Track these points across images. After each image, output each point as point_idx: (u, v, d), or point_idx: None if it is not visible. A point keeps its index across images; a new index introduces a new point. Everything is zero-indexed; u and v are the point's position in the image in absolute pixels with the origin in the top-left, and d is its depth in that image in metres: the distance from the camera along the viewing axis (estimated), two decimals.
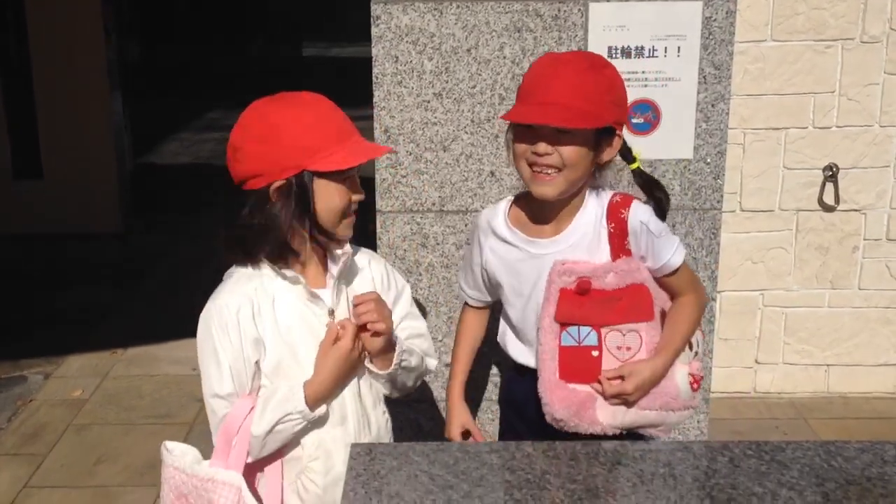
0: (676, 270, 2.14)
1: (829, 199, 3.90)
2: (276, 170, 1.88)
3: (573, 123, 1.98)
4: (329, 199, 1.92)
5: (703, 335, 2.26)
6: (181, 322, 2.68)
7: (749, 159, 3.86)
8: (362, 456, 1.75)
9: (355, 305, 1.97)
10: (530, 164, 2.06)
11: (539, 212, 2.15)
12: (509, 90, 2.89)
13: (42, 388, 4.31)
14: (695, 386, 2.17)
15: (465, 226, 2.98)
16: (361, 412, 2.04)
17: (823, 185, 3.88)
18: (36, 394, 4.25)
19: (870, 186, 3.89)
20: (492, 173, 2.96)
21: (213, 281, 2.04)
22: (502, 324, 2.31)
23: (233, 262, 2.00)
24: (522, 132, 2.05)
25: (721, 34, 2.88)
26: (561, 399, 2.10)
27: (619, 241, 2.09)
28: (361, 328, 1.97)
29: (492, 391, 3.15)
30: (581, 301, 2.08)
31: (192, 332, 2.00)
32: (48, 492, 3.45)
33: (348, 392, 2.02)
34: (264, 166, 1.89)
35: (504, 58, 2.89)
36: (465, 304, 2.40)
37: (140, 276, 5.83)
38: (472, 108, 2.91)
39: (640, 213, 2.09)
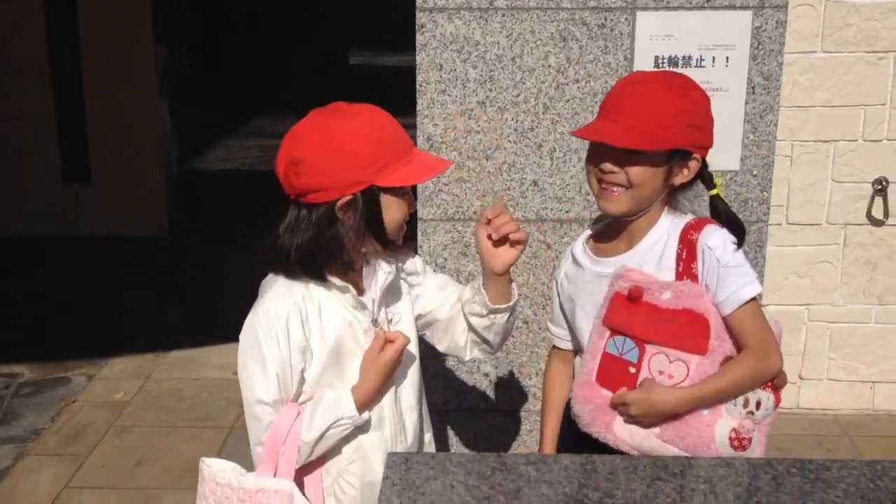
0: (741, 309, 1.98)
1: (877, 213, 3.82)
2: (342, 185, 1.85)
3: (633, 144, 1.95)
4: (392, 213, 1.91)
5: (777, 400, 2.08)
6: (223, 327, 2.70)
7: (797, 171, 3.80)
8: (398, 465, 1.74)
9: (490, 220, 1.99)
10: (598, 180, 2.04)
11: (612, 232, 2.13)
12: (553, 99, 2.88)
13: (85, 389, 4.35)
14: (735, 444, 2.00)
15: None
16: (397, 417, 2.05)
17: (872, 198, 3.81)
18: (79, 395, 4.29)
19: None
20: (534, 182, 2.94)
21: (257, 287, 2.04)
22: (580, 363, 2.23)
23: (292, 277, 1.95)
24: (594, 147, 2.04)
25: (771, 44, 2.84)
26: (585, 396, 2.06)
27: (686, 264, 2.02)
28: (502, 240, 2.01)
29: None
30: (630, 309, 2.02)
31: (234, 338, 2.00)
32: (89, 492, 3.48)
33: (386, 397, 2.02)
34: (329, 181, 1.85)
35: (549, 67, 2.87)
36: (553, 347, 2.33)
37: (184, 281, 5.88)
38: (515, 117, 2.90)
39: (709, 238, 2.01)
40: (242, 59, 13.76)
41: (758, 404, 2.03)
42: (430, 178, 1.94)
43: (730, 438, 2.00)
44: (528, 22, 2.85)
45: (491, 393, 3.10)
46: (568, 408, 2.18)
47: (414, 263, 2.16)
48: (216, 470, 1.95)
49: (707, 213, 2.11)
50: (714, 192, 2.11)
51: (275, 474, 1.91)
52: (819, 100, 3.73)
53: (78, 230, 6.47)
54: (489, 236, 1.99)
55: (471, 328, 2.12)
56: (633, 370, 2.03)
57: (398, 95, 4.47)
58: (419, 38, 2.88)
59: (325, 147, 1.84)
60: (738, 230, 2.06)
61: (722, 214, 2.09)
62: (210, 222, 7.00)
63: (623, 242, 2.11)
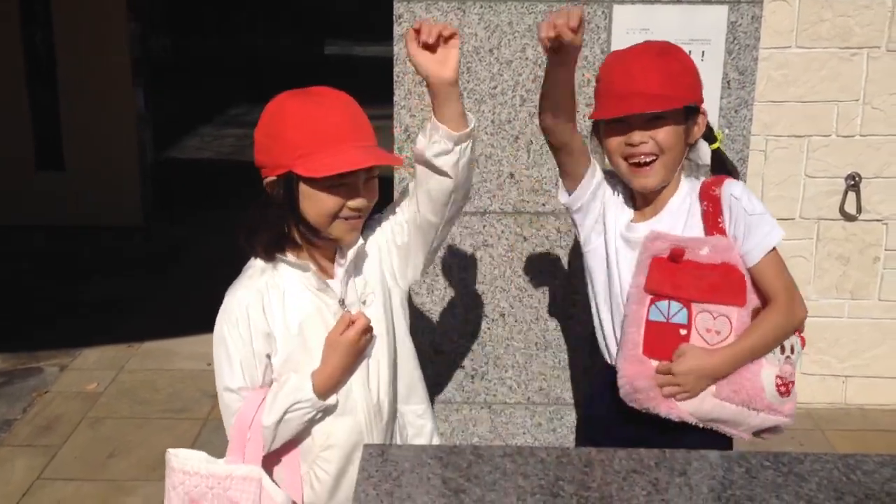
0: (766, 257, 2.05)
1: (850, 208, 3.86)
2: (272, 165, 1.91)
3: (664, 106, 2.02)
4: (315, 202, 1.90)
5: (803, 342, 2.15)
6: (198, 317, 2.68)
7: (771, 166, 3.82)
8: (374, 457, 1.73)
9: (417, 30, 1.86)
10: (626, 158, 2.08)
11: (639, 202, 2.18)
12: (531, 91, 2.88)
13: (57, 380, 4.32)
14: (782, 389, 2.09)
15: (483, 227, 2.97)
16: (371, 401, 2.01)
17: (845, 193, 3.84)
18: (51, 385, 4.26)
19: (893, 196, 3.84)
20: (511, 175, 2.95)
21: (233, 276, 2.05)
22: (602, 332, 2.26)
23: (247, 254, 2.01)
24: (613, 127, 2.08)
25: (746, 39, 2.85)
26: (640, 372, 2.08)
27: (713, 219, 2.09)
28: (435, 45, 1.87)
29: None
30: (673, 270, 2.06)
31: (208, 328, 2.01)
32: (61, 484, 3.46)
33: (356, 381, 1.99)
34: (265, 159, 1.92)
35: (526, 59, 2.87)
36: None
37: (158, 271, 5.84)
38: (492, 109, 2.90)
39: (732, 189, 2.09)
40: (219, 47, 13.71)
41: (792, 349, 2.10)
42: (333, 173, 1.85)
43: (776, 385, 2.08)
44: (506, 14, 2.85)
45: (467, 385, 3.11)
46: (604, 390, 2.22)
47: (380, 231, 2.07)
48: (183, 459, 1.96)
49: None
50: (716, 145, 2.21)
51: (244, 460, 1.92)
52: (793, 95, 3.75)
53: (51, 218, 6.41)
54: (425, 46, 1.88)
55: (437, 172, 1.94)
56: (683, 332, 2.07)
57: (374, 86, 4.46)
58: (396, 29, 2.87)
59: (269, 127, 1.91)
60: (734, 172, 2.20)
61: (727, 164, 2.20)
62: (185, 211, 6.96)
63: (646, 210, 2.16)
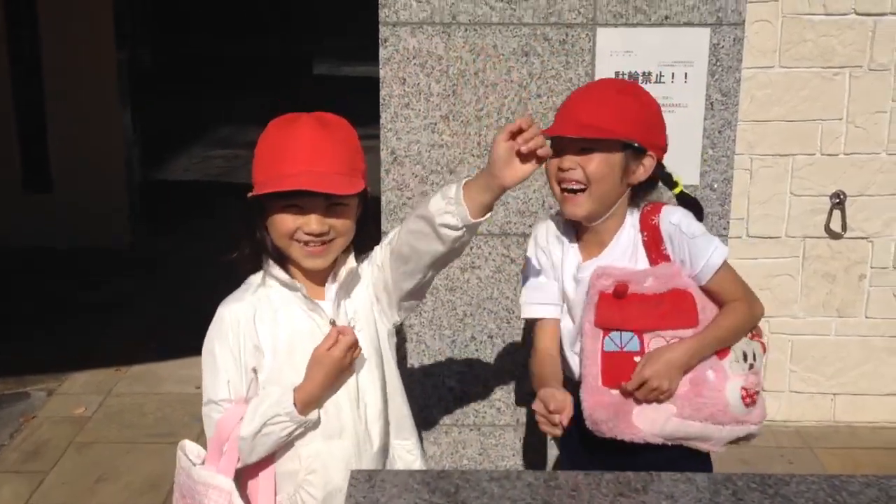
0: (718, 274, 2.11)
1: (836, 226, 3.88)
2: (253, 185, 1.98)
3: (592, 135, 2.05)
4: (272, 223, 1.97)
5: (763, 349, 2.21)
6: (186, 340, 2.68)
7: (756, 185, 3.85)
8: (362, 483, 1.73)
9: (521, 130, 1.81)
10: (559, 183, 2.12)
11: (580, 232, 2.22)
12: (516, 114, 2.89)
13: (45, 404, 4.30)
14: (747, 401, 2.12)
15: (471, 249, 2.97)
16: (361, 426, 2.02)
17: (830, 212, 3.86)
18: (38, 410, 4.24)
19: (877, 214, 3.87)
20: None
21: (219, 299, 2.06)
22: (567, 364, 2.30)
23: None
24: (554, 149, 2.11)
25: (728, 61, 2.87)
26: (599, 403, 2.12)
27: (655, 247, 2.13)
28: (525, 155, 1.83)
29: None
30: (620, 305, 2.11)
31: (196, 351, 2.02)
32: None
33: (346, 404, 2.00)
34: (252, 178, 1.99)
35: (511, 81, 2.89)
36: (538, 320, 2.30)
37: (146, 293, 5.81)
38: (478, 132, 2.91)
39: (670, 216, 2.14)
40: (206, 66, 13.71)
41: (753, 356, 2.15)
42: (264, 192, 1.91)
43: (742, 397, 2.12)
44: (491, 37, 2.87)
45: (455, 407, 3.11)
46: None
47: (368, 265, 2.10)
48: (182, 454, 2.02)
49: None
50: (677, 190, 2.24)
51: (217, 470, 1.96)
52: (776, 114, 3.78)
53: (39, 240, 6.38)
54: (518, 151, 1.82)
55: (435, 235, 1.89)
56: (637, 359, 2.11)
57: (362, 106, 4.47)
58: (382, 52, 2.88)
59: (256, 149, 1.98)
60: (698, 210, 2.23)
61: (691, 204, 2.23)
62: (173, 233, 6.94)
63: (594, 247, 2.20)
